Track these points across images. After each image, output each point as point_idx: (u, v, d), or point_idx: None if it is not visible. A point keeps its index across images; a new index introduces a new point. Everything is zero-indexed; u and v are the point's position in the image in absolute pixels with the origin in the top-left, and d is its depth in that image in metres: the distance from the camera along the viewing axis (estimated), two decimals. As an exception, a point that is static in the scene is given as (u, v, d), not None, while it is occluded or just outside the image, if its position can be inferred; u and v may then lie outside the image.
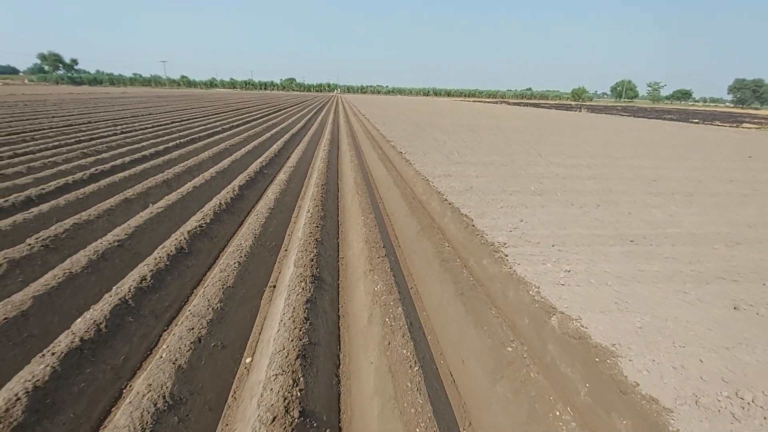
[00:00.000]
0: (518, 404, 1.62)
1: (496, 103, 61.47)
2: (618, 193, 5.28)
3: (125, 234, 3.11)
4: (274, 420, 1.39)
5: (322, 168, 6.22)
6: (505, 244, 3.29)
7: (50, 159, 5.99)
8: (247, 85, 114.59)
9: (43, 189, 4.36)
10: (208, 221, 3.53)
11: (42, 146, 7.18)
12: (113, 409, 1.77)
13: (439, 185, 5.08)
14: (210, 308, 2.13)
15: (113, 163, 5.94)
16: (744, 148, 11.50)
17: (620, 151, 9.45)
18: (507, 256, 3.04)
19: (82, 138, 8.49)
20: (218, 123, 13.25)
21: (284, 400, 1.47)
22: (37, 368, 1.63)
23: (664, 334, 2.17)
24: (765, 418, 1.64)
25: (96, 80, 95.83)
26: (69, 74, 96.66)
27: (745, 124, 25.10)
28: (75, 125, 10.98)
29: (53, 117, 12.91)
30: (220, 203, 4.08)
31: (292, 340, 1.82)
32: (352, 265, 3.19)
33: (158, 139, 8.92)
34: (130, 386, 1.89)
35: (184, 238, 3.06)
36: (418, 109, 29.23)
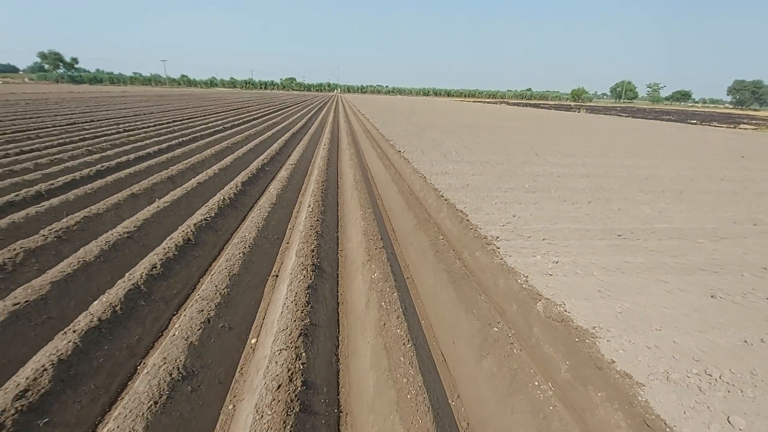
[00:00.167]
0: (501, 377, 1.76)
1: (495, 103, 61.63)
2: (610, 190, 5.43)
3: (134, 226, 3.25)
4: (279, 387, 1.53)
5: (322, 166, 6.36)
6: (497, 237, 3.43)
7: (56, 156, 6.13)
8: (248, 84, 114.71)
9: (52, 184, 4.50)
10: (213, 215, 3.67)
11: (47, 144, 7.32)
12: (129, 383, 1.91)
13: (436, 182, 5.23)
14: (217, 293, 2.27)
15: (118, 160, 6.08)
16: (739, 149, 11.66)
17: (616, 151, 9.60)
18: (499, 248, 3.18)
19: (86, 136, 8.63)
20: (219, 122, 13.39)
21: (288, 371, 1.62)
22: (61, 343, 1.77)
23: (642, 319, 2.32)
24: (728, 392, 1.79)
25: (96, 79, 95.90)
26: (69, 73, 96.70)
27: (742, 125, 25.27)
28: (78, 123, 11.11)
29: (56, 115, 13.04)
30: (224, 198, 4.23)
31: (294, 321, 1.96)
32: (350, 256, 3.34)
33: (161, 138, 9.06)
34: (144, 363, 2.04)
35: (191, 231, 3.21)
36: (417, 109, 29.37)
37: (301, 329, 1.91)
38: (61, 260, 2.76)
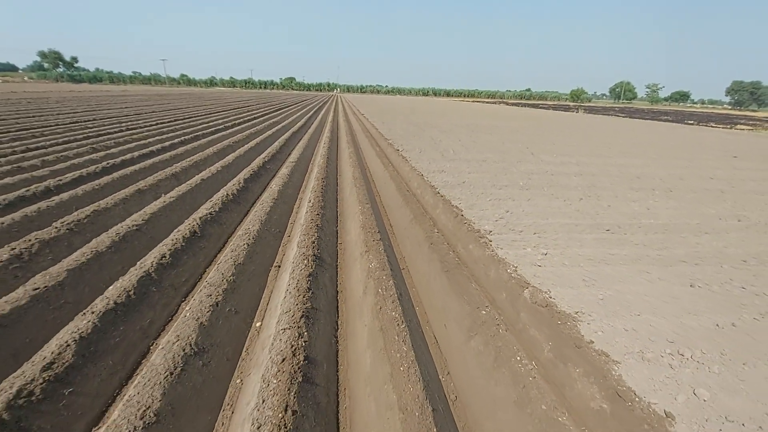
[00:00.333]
0: (487, 354, 1.91)
1: (495, 103, 61.83)
2: (602, 188, 5.59)
3: (142, 219, 3.40)
4: (283, 360, 1.68)
5: (322, 164, 6.51)
6: (490, 231, 3.59)
7: (62, 154, 6.26)
8: (247, 84, 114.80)
9: (60, 180, 4.64)
10: (217, 209, 3.82)
11: (52, 142, 7.46)
12: (143, 360, 2.06)
13: (433, 180, 5.38)
14: (224, 280, 2.42)
15: (123, 157, 6.22)
16: (732, 149, 11.83)
17: (610, 150, 9.77)
18: (491, 241, 3.34)
19: (90, 134, 8.77)
20: (220, 121, 13.53)
21: (292, 347, 1.77)
22: (81, 323, 1.92)
23: (622, 305, 2.47)
24: (697, 369, 1.95)
25: (96, 78, 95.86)
26: (69, 72, 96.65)
27: (739, 126, 25.48)
28: (81, 122, 11.24)
29: (58, 114, 13.17)
30: (227, 194, 4.37)
31: (297, 304, 2.11)
32: (349, 249, 3.49)
33: (163, 136, 9.20)
34: (156, 344, 2.19)
35: (197, 224, 3.35)
36: (416, 109, 29.53)
37: (303, 311, 2.06)
38: (74, 251, 2.91)
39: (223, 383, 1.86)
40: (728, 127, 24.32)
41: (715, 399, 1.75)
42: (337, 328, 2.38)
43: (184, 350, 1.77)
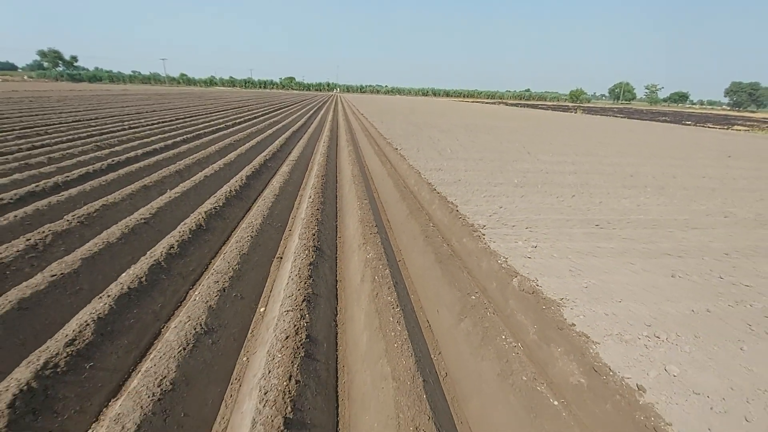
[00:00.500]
0: (475, 334, 2.06)
1: (494, 103, 62.01)
2: (594, 186, 5.74)
3: (149, 213, 3.54)
4: (287, 338, 1.83)
5: (321, 162, 6.66)
6: (484, 226, 3.74)
7: (67, 151, 6.40)
8: (247, 83, 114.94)
9: (68, 176, 4.78)
10: (221, 204, 3.96)
11: (57, 139, 7.60)
12: (155, 341, 2.20)
13: (430, 177, 5.53)
14: (230, 268, 2.57)
15: (127, 155, 6.36)
16: (727, 149, 12.00)
17: (606, 150, 9.92)
18: (484, 235, 3.49)
19: (93, 132, 8.91)
20: (220, 120, 13.67)
21: (294, 327, 1.91)
22: (98, 305, 2.07)
23: (605, 293, 2.62)
24: (670, 348, 2.10)
25: (95, 77, 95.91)
26: (68, 71, 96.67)
27: (736, 126, 25.66)
28: (83, 121, 11.38)
29: (60, 113, 13.30)
30: (231, 190, 4.52)
31: (299, 289, 2.26)
32: (348, 242, 3.64)
33: (165, 134, 9.34)
34: (167, 327, 2.33)
35: (202, 218, 3.50)
36: (416, 109, 29.69)
37: (305, 296, 2.20)
38: (85, 242, 3.05)
39: (231, 359, 2.01)
40: (725, 127, 24.51)
41: (685, 375, 1.90)
42: (337, 314, 2.53)
43: (195, 329, 1.91)
